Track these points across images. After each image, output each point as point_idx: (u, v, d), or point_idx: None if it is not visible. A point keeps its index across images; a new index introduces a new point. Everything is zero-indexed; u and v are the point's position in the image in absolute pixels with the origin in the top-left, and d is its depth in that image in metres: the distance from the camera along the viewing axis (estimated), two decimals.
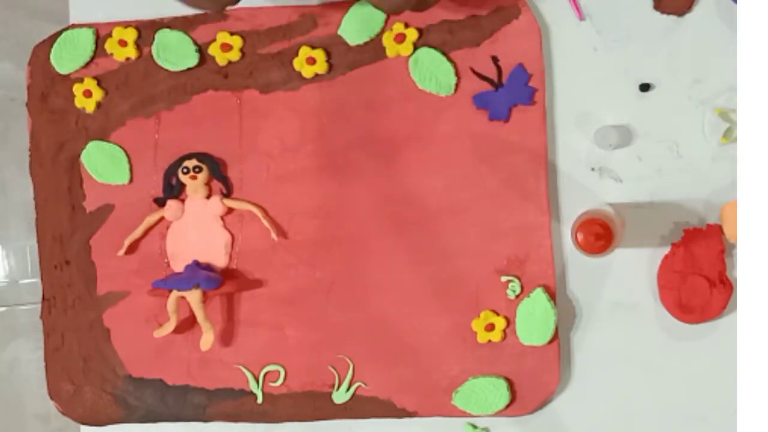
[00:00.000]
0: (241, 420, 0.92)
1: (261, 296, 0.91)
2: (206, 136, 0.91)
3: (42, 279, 0.94)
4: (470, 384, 0.89)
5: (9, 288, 1.03)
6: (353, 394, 0.91)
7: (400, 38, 0.89)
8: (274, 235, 0.89)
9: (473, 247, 0.89)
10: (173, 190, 0.91)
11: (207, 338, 0.89)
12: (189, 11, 0.91)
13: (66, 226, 0.93)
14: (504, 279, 0.88)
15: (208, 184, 0.91)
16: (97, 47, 0.92)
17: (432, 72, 0.88)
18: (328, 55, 0.90)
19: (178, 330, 0.91)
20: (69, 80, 0.93)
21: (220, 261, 0.91)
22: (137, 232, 0.92)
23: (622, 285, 0.88)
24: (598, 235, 0.79)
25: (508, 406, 0.88)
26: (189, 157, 0.91)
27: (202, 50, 0.91)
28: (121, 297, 0.93)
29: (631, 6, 0.87)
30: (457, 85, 0.89)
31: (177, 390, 0.93)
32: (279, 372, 0.91)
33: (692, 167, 0.87)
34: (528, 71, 0.88)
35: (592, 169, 0.88)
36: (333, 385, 0.91)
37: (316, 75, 0.90)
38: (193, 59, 0.91)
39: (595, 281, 0.88)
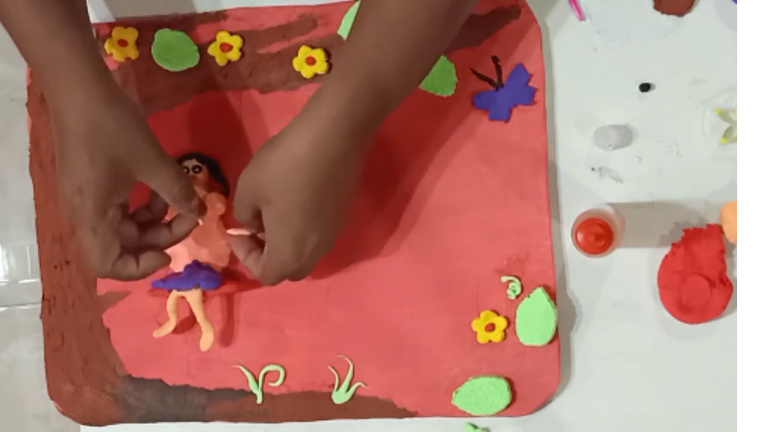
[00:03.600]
0: (241, 420, 0.92)
1: (261, 296, 0.91)
2: (206, 136, 0.91)
3: (42, 279, 0.94)
4: (470, 384, 0.89)
5: (9, 288, 1.02)
6: (353, 394, 0.91)
7: None
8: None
9: (473, 247, 0.89)
10: None
11: (207, 338, 0.89)
12: (189, 11, 0.91)
13: (66, 226, 0.93)
14: (504, 279, 0.88)
15: (207, 184, 0.91)
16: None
17: (432, 72, 0.88)
18: (328, 55, 0.90)
19: (177, 330, 0.91)
20: None
21: (220, 261, 0.91)
22: None
23: (622, 285, 0.88)
24: (598, 235, 0.79)
25: (508, 406, 0.88)
26: (188, 157, 0.91)
27: (201, 50, 0.91)
28: (121, 297, 0.93)
29: (631, 6, 0.87)
30: (457, 85, 0.89)
31: (177, 390, 0.93)
32: (279, 372, 0.91)
33: (692, 167, 0.87)
34: (528, 71, 0.88)
35: (592, 169, 0.88)
36: (333, 385, 0.91)
37: (316, 75, 0.90)
38: (192, 59, 0.91)
39: (595, 281, 0.88)
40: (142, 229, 0.83)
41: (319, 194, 0.77)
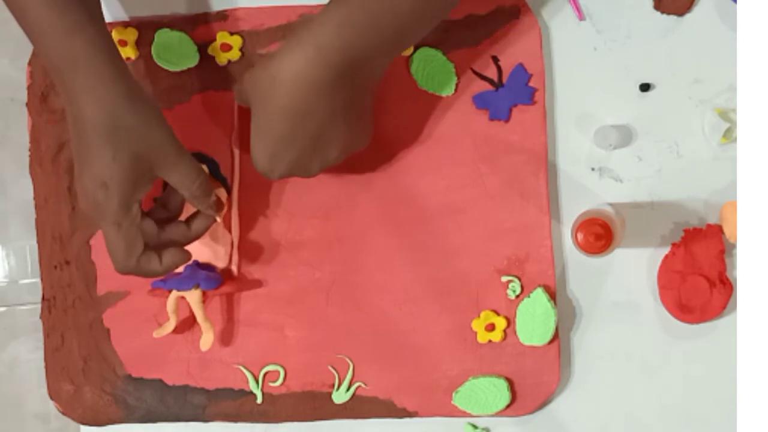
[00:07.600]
0: (241, 420, 0.92)
1: (261, 296, 0.91)
2: (206, 136, 0.91)
3: (42, 279, 0.94)
4: (470, 384, 0.89)
5: (9, 288, 1.03)
6: (353, 394, 0.91)
7: None
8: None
9: (473, 247, 0.89)
10: None
11: (207, 338, 0.89)
12: (189, 11, 0.91)
13: (66, 226, 0.93)
14: (504, 279, 0.88)
15: None
16: None
17: (432, 72, 0.88)
18: None
19: (177, 330, 0.91)
20: None
21: (220, 261, 0.91)
22: None
23: (622, 285, 0.88)
24: (598, 235, 0.79)
25: (508, 406, 0.88)
26: None
27: (201, 50, 0.91)
28: (121, 297, 0.93)
29: (631, 6, 0.87)
30: (457, 85, 0.89)
31: (177, 390, 0.93)
32: (279, 372, 0.91)
33: (692, 167, 0.87)
34: (528, 71, 0.88)
35: (592, 169, 0.88)
36: (333, 385, 0.91)
37: None
38: (192, 59, 0.91)
39: (595, 281, 0.88)
40: (159, 226, 0.83)
41: (294, 120, 0.78)
